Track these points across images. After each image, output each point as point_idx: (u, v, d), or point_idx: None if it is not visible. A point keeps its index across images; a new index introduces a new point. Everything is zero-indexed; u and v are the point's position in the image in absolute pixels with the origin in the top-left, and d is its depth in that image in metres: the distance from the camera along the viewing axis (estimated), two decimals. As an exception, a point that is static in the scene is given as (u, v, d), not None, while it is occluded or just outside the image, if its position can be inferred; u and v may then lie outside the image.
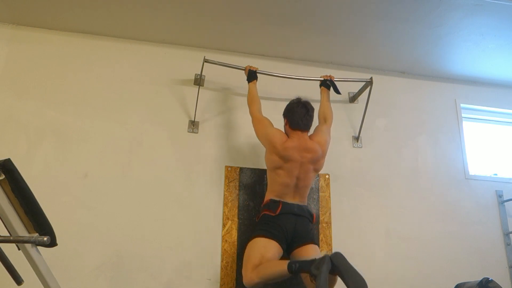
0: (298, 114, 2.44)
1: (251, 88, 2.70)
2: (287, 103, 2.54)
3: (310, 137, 2.49)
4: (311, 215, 2.42)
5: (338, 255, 2.00)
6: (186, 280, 2.54)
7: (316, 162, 2.43)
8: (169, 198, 2.69)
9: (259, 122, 2.55)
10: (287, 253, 2.35)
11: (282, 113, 2.55)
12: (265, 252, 2.21)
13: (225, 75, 2.98)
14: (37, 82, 2.82)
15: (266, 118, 2.55)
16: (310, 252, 2.28)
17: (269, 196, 2.42)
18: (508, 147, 3.53)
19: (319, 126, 2.64)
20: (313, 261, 1.96)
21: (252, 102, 2.64)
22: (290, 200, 2.37)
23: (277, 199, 2.36)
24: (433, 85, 3.42)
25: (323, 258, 1.95)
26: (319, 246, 2.70)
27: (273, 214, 2.32)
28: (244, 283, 2.18)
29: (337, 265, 1.96)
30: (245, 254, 2.29)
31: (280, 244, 2.27)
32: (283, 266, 2.04)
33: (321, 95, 2.83)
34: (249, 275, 2.16)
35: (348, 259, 2.06)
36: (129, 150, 2.76)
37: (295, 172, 2.37)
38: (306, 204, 2.45)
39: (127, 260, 2.52)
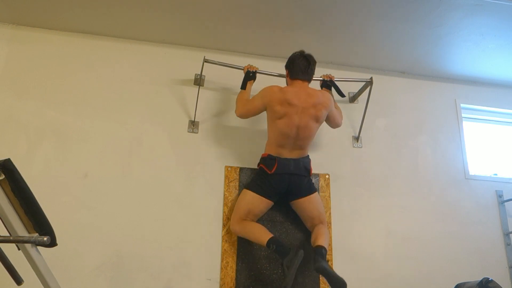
0: (299, 65, 2.53)
1: (246, 88, 2.71)
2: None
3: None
4: (308, 170, 2.51)
5: (320, 268, 2.18)
6: (186, 280, 2.54)
7: (318, 108, 2.47)
8: (169, 198, 2.69)
9: (249, 102, 2.59)
10: (286, 200, 2.57)
11: (285, 76, 2.63)
12: (253, 207, 2.47)
13: (225, 75, 2.98)
14: (37, 82, 2.82)
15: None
16: (307, 206, 2.51)
17: (268, 150, 2.52)
18: (508, 147, 3.53)
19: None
20: (288, 251, 2.21)
21: (242, 97, 2.65)
22: (287, 154, 2.46)
23: (275, 155, 2.46)
24: (433, 85, 3.42)
25: (297, 253, 2.19)
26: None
27: (268, 172, 2.45)
28: (230, 229, 2.55)
29: (320, 272, 2.20)
30: (237, 202, 2.56)
31: (270, 199, 2.49)
32: (264, 239, 2.30)
33: None
34: (235, 226, 2.50)
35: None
36: (129, 150, 2.76)
37: (295, 120, 2.41)
38: (305, 155, 2.52)
39: (127, 260, 2.52)
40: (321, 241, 2.33)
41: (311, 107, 2.44)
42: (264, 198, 2.48)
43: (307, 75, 2.55)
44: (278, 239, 2.35)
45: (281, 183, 2.46)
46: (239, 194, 2.75)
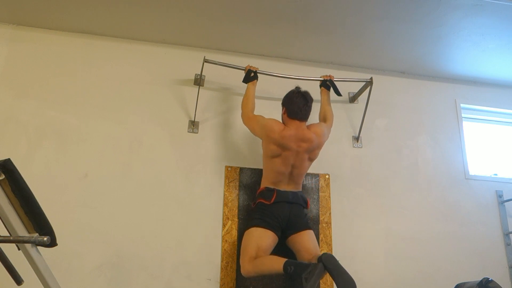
0: (297, 104, 2.48)
1: (249, 89, 2.70)
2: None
3: (308, 127, 2.52)
4: (305, 201, 2.51)
5: (329, 257, 2.08)
6: (186, 280, 2.54)
7: (312, 152, 2.50)
8: (169, 198, 2.69)
9: (252, 120, 2.59)
10: (283, 239, 2.44)
11: (281, 113, 2.56)
12: (260, 242, 2.32)
13: (225, 75, 2.98)
14: (37, 82, 2.82)
15: (258, 115, 2.59)
16: (305, 239, 2.38)
17: (264, 184, 2.50)
18: (508, 147, 3.53)
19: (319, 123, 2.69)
20: (308, 266, 2.04)
21: (247, 103, 2.64)
22: (284, 187, 2.46)
23: (272, 187, 2.44)
24: (433, 85, 3.42)
25: (317, 266, 2.05)
26: (318, 239, 2.70)
27: (268, 203, 2.40)
28: (242, 273, 2.31)
29: (328, 266, 2.06)
30: (242, 244, 2.41)
31: (275, 232, 2.38)
32: (279, 265, 2.12)
33: (321, 96, 2.84)
34: (246, 267, 2.28)
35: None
36: (129, 150, 2.76)
37: (290, 160, 2.43)
38: (300, 190, 2.52)
39: (127, 260, 2.52)
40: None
41: (305, 152, 2.45)
42: (269, 231, 2.36)
43: (305, 115, 2.50)
44: (293, 260, 2.23)
45: (282, 212, 2.39)
46: (239, 194, 2.76)
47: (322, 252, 2.31)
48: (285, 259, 2.14)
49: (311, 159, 2.53)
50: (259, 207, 2.46)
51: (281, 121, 2.55)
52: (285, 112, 2.52)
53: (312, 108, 2.56)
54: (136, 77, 2.96)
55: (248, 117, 2.60)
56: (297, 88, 2.57)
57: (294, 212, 2.42)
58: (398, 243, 2.89)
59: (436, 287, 2.81)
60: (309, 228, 2.45)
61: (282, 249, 2.43)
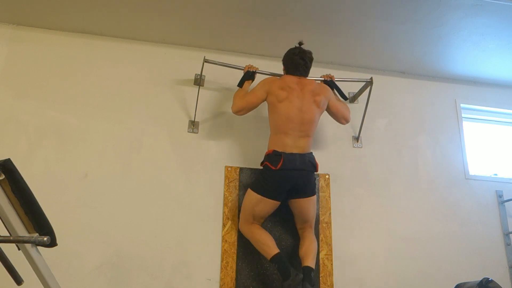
0: (296, 64, 2.59)
1: (244, 85, 2.69)
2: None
3: None
4: (314, 166, 2.47)
5: (307, 274, 2.30)
6: (186, 280, 2.54)
7: (315, 93, 2.53)
8: (169, 198, 2.69)
9: (247, 93, 2.60)
10: (288, 198, 2.50)
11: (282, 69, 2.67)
12: (257, 210, 2.44)
13: (225, 75, 2.98)
14: (37, 82, 2.82)
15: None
16: (306, 207, 2.48)
17: (272, 145, 2.47)
18: (508, 147, 3.53)
19: None
20: (289, 275, 2.24)
21: (239, 96, 2.60)
22: (292, 146, 2.42)
23: (280, 150, 2.40)
24: (433, 85, 3.42)
25: (296, 278, 2.23)
26: (318, 239, 2.70)
27: (274, 168, 2.38)
28: (239, 227, 2.57)
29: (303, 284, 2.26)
30: (242, 203, 2.54)
31: (276, 199, 2.43)
32: (269, 253, 2.34)
33: None
34: (242, 226, 2.52)
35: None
36: (129, 150, 2.76)
37: (297, 101, 2.46)
38: (309, 151, 2.49)
39: (127, 260, 2.52)
40: (310, 261, 2.36)
41: (309, 92, 2.51)
42: (268, 200, 2.42)
43: (304, 72, 2.61)
44: (282, 257, 2.34)
45: (287, 180, 2.40)
46: (239, 194, 2.76)
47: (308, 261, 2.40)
48: (276, 252, 2.33)
49: (317, 104, 2.51)
50: (264, 171, 2.45)
51: None
52: (284, 69, 2.66)
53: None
54: (136, 77, 2.96)
55: (243, 95, 2.59)
56: (298, 47, 2.64)
57: (301, 179, 2.42)
58: (398, 243, 2.89)
59: (436, 287, 2.81)
60: (314, 194, 2.50)
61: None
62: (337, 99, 2.74)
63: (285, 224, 2.70)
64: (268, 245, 2.37)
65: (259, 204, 2.43)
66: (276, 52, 3.16)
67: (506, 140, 3.56)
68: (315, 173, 2.50)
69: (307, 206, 2.49)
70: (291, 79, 2.54)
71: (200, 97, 2.86)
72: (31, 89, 2.80)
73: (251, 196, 2.46)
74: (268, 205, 2.44)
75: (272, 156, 2.41)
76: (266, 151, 2.50)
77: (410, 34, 2.89)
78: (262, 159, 2.53)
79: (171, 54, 3.07)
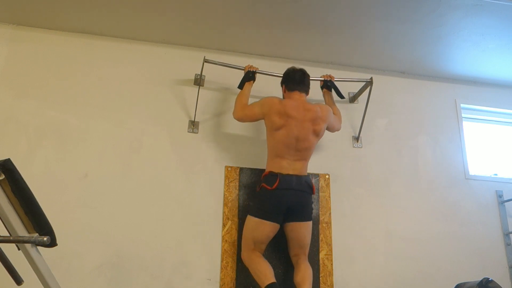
0: (295, 77, 2.55)
1: (245, 88, 2.69)
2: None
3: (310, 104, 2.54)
4: (310, 187, 2.44)
5: None
6: (186, 280, 2.54)
7: (316, 123, 2.45)
8: (169, 198, 2.69)
9: (248, 106, 2.58)
10: (282, 223, 2.43)
11: (282, 92, 2.60)
12: (257, 234, 2.38)
13: (225, 75, 2.98)
14: (37, 82, 2.82)
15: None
16: (301, 232, 2.41)
17: (269, 167, 2.44)
18: (508, 147, 3.53)
19: None
20: None
21: (241, 99, 2.62)
22: (289, 168, 2.39)
23: (276, 171, 2.37)
24: (433, 85, 3.42)
25: None
26: (318, 239, 2.70)
27: (270, 188, 2.35)
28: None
29: None
30: (243, 230, 2.47)
31: (274, 221, 2.37)
32: (264, 282, 2.24)
33: (324, 98, 2.85)
34: (244, 254, 2.45)
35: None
36: (129, 150, 2.76)
37: (294, 131, 2.39)
38: (306, 174, 2.45)
39: (127, 260, 2.52)
40: (307, 287, 2.29)
41: (309, 121, 2.43)
42: (266, 222, 2.35)
43: (304, 86, 2.54)
44: (278, 287, 2.26)
45: (283, 200, 2.35)
46: (239, 194, 2.76)
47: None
48: (271, 281, 2.24)
49: (316, 133, 2.46)
50: (261, 194, 2.42)
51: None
52: (285, 89, 2.58)
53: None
54: (136, 77, 2.96)
55: (243, 106, 2.59)
56: (292, 67, 2.62)
57: (297, 200, 2.37)
58: (398, 243, 2.89)
59: (436, 287, 2.81)
60: (309, 220, 2.44)
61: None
62: (334, 111, 2.69)
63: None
64: (265, 274, 2.29)
65: (258, 227, 2.37)
66: (276, 52, 3.16)
67: (506, 140, 3.56)
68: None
69: (303, 231, 2.42)
70: (291, 105, 2.44)
71: (200, 97, 2.86)
72: (31, 89, 2.80)
73: (250, 221, 2.42)
74: (267, 228, 2.36)
75: (269, 177, 2.39)
76: (262, 174, 2.48)
77: (410, 34, 2.89)
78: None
79: (171, 54, 3.07)
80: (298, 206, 2.38)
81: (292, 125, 2.39)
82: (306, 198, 2.42)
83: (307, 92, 2.57)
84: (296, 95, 2.51)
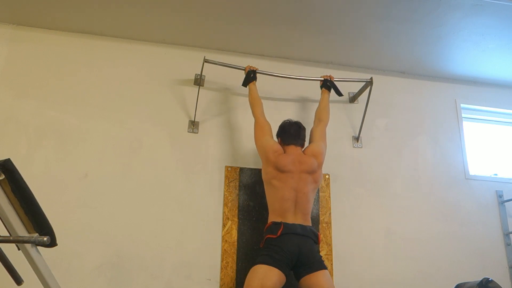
0: (290, 132, 2.52)
1: (252, 89, 2.70)
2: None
3: (304, 151, 2.50)
4: (316, 236, 2.32)
5: None
6: (186, 280, 2.54)
7: (313, 172, 2.42)
8: (169, 198, 2.69)
9: (260, 128, 2.56)
10: (296, 279, 2.26)
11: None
12: (265, 281, 2.12)
13: (225, 75, 2.98)
14: (37, 82, 2.82)
15: (268, 124, 2.57)
16: (322, 283, 2.18)
17: (271, 219, 2.35)
18: (508, 147, 3.53)
19: (313, 130, 2.66)
20: None
21: (254, 103, 2.64)
22: (292, 220, 2.29)
23: (279, 220, 2.29)
24: (433, 85, 3.42)
25: None
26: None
27: (275, 236, 2.24)
28: None
29: None
30: (245, 281, 2.20)
31: (282, 270, 2.18)
32: None
33: (321, 96, 2.84)
34: None
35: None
36: (129, 150, 2.76)
37: (292, 183, 2.34)
38: (310, 224, 2.36)
39: (127, 260, 2.52)
40: None
41: (305, 172, 2.38)
42: (275, 269, 2.15)
43: (300, 140, 2.52)
44: None
45: (290, 244, 2.20)
46: (239, 194, 2.75)
47: None
48: None
49: (315, 181, 2.42)
50: (266, 244, 2.28)
51: None
52: (280, 142, 2.54)
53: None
54: (136, 77, 2.96)
55: (259, 122, 2.56)
56: (288, 119, 2.60)
57: (305, 247, 2.23)
58: (398, 243, 2.89)
59: (436, 287, 2.81)
60: (325, 268, 2.25)
61: None
62: (321, 131, 2.65)
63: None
64: None
65: (267, 274, 2.14)
66: (276, 52, 3.16)
67: (506, 140, 3.55)
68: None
69: (320, 279, 2.19)
70: (287, 160, 2.38)
71: (200, 97, 2.86)
72: (31, 89, 2.80)
73: (255, 269, 2.19)
74: (275, 275, 2.14)
75: (272, 227, 2.30)
76: (265, 226, 2.38)
77: (410, 34, 2.89)
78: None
79: (171, 54, 3.07)
80: (306, 253, 2.23)
81: (288, 178, 2.35)
82: (312, 246, 2.28)
83: (302, 146, 2.53)
84: (292, 149, 2.47)
